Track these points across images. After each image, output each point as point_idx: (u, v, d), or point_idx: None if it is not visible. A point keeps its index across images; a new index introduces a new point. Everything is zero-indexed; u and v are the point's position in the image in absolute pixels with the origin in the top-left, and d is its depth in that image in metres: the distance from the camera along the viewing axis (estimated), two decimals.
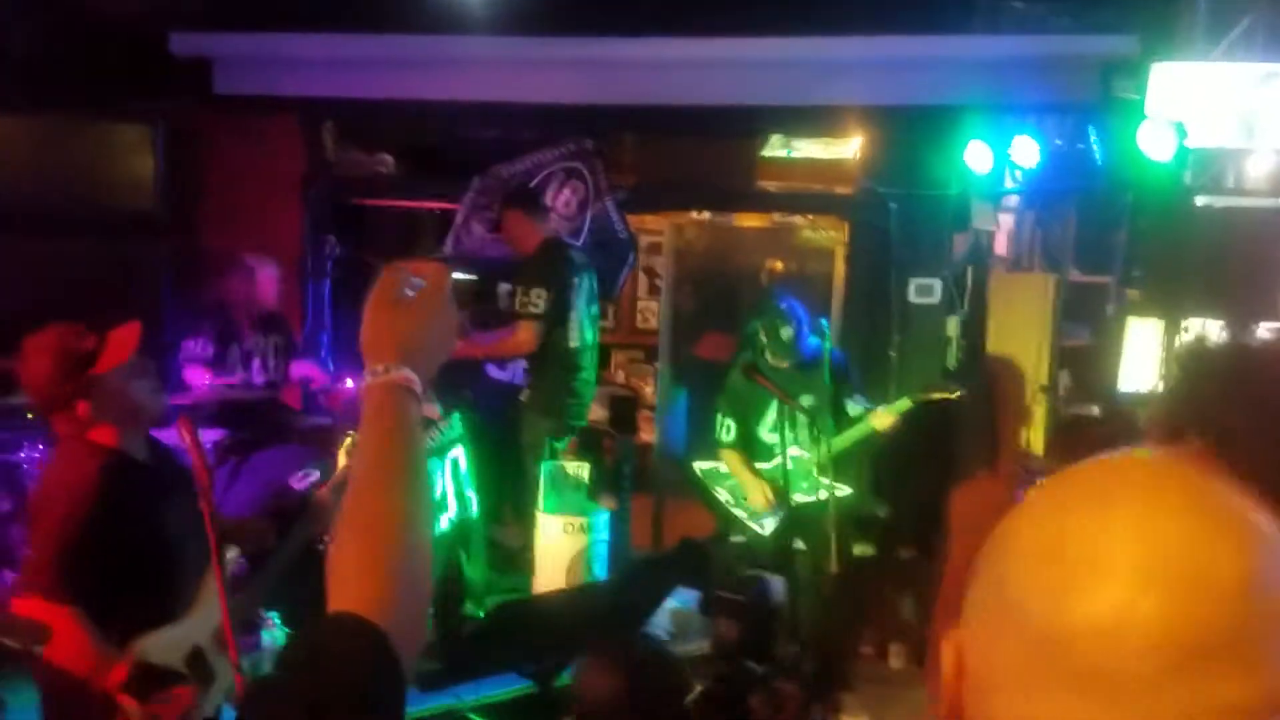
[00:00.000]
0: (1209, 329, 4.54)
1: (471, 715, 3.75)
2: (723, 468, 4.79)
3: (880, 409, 4.43)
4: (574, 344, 5.01)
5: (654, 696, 2.53)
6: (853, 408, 4.54)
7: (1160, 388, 1.62)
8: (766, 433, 4.67)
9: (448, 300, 1.18)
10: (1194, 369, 1.59)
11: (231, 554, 2.55)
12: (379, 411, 1.11)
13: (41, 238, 5.54)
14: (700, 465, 4.94)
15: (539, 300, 4.81)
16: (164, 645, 2.43)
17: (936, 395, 4.43)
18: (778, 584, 4.28)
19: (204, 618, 2.47)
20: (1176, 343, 4.90)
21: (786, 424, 4.50)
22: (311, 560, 2.88)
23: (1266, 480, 1.27)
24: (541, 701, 3.31)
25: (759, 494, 4.61)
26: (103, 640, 2.37)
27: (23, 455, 4.72)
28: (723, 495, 4.81)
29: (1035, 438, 5.20)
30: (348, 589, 1.02)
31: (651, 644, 3.06)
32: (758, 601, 4.13)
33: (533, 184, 6.11)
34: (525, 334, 4.85)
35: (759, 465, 4.67)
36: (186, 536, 2.43)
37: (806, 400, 4.48)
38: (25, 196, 5.54)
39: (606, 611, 3.18)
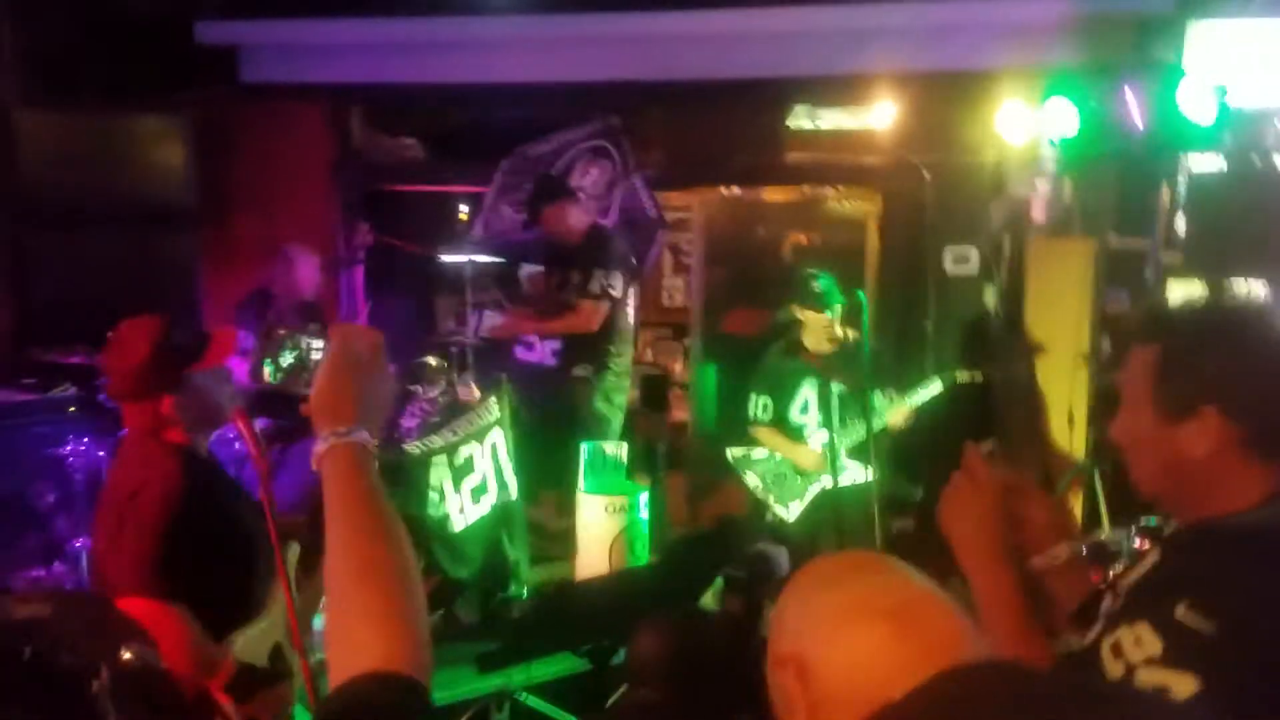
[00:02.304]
0: (1254, 289, 4.41)
1: (523, 695, 3.76)
2: (755, 453, 4.78)
3: (891, 405, 4.43)
4: (630, 324, 5.35)
5: (701, 654, 2.59)
6: (878, 400, 4.49)
7: (1154, 360, 1.57)
8: (798, 414, 4.67)
9: (385, 363, 1.27)
10: (1192, 341, 1.59)
11: (293, 552, 2.50)
12: (351, 472, 1.17)
13: (74, 231, 5.57)
14: (733, 451, 4.92)
15: (616, 283, 5.10)
16: (252, 643, 2.39)
17: (962, 378, 4.43)
18: (782, 556, 4.30)
19: (280, 613, 2.43)
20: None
21: (821, 406, 4.50)
22: None
23: (1273, 442, 1.41)
24: (592, 680, 3.31)
25: (806, 455, 4.59)
26: (205, 638, 2.30)
27: (68, 449, 4.75)
28: (752, 481, 4.79)
29: (1078, 407, 5.15)
30: (370, 646, 1.06)
31: (700, 609, 3.08)
32: (762, 575, 4.16)
33: (560, 163, 6.09)
34: (594, 314, 5.08)
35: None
36: (258, 533, 2.38)
37: (838, 387, 4.46)
38: (57, 190, 5.58)
39: (659, 591, 3.18)
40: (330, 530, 1.14)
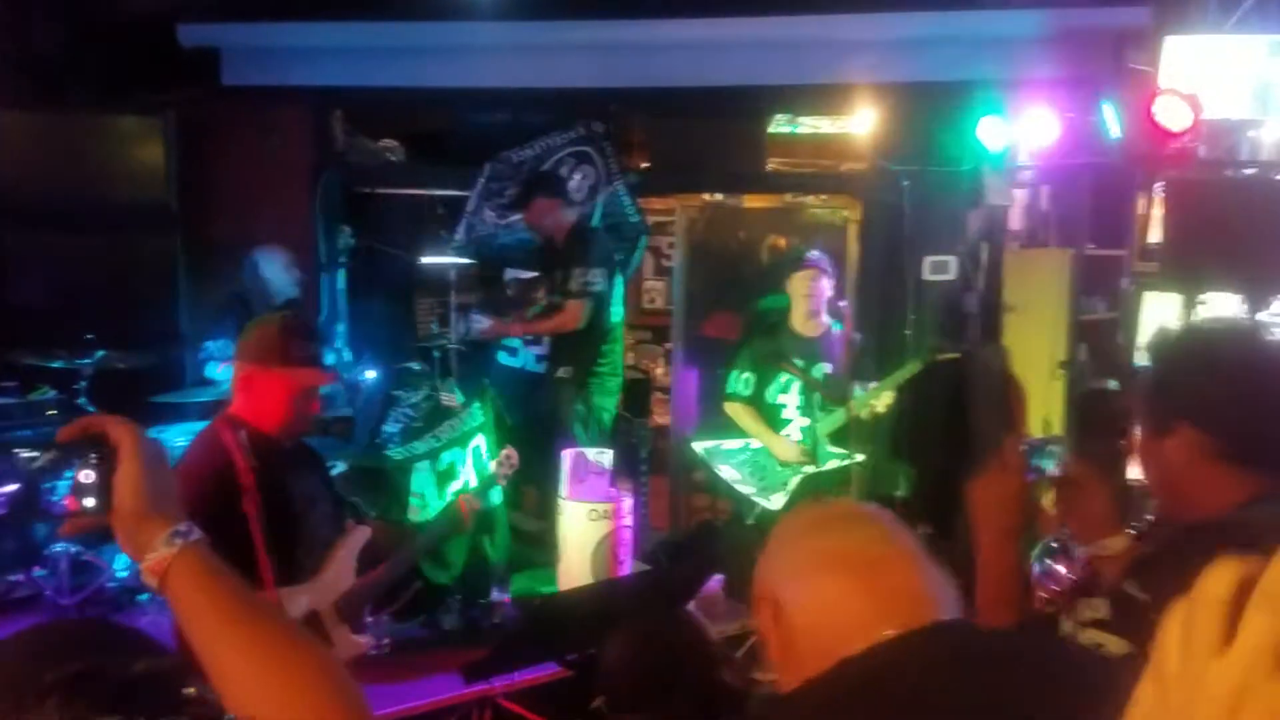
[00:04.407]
0: (1225, 303, 4.50)
1: (503, 701, 3.77)
2: (725, 445, 4.82)
3: (860, 397, 4.51)
4: (615, 320, 5.32)
5: (673, 661, 2.59)
6: (857, 392, 4.56)
7: (1143, 381, 1.75)
8: (778, 395, 4.74)
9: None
10: (1170, 364, 1.76)
11: (361, 536, 2.73)
12: (217, 573, 1.05)
13: (54, 232, 5.55)
14: (701, 445, 4.95)
15: (597, 279, 5.09)
16: (285, 600, 2.56)
17: (941, 356, 4.56)
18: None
19: (326, 588, 2.57)
20: (1193, 316, 4.91)
21: (800, 389, 4.61)
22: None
23: (1246, 451, 1.55)
24: (573, 686, 3.33)
25: (784, 447, 4.66)
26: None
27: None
28: (727, 473, 4.81)
29: (1054, 415, 5.21)
30: None
31: (673, 616, 3.08)
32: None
33: (543, 168, 6.11)
34: (577, 312, 5.08)
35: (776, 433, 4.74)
36: (311, 511, 2.56)
37: (819, 370, 4.60)
38: (37, 191, 5.54)
39: (644, 599, 3.21)
40: (225, 644, 1.01)
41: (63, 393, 4.95)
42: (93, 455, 1.09)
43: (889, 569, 1.14)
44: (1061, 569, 3.28)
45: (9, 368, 5.09)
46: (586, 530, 4.57)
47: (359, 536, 2.75)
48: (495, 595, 4.61)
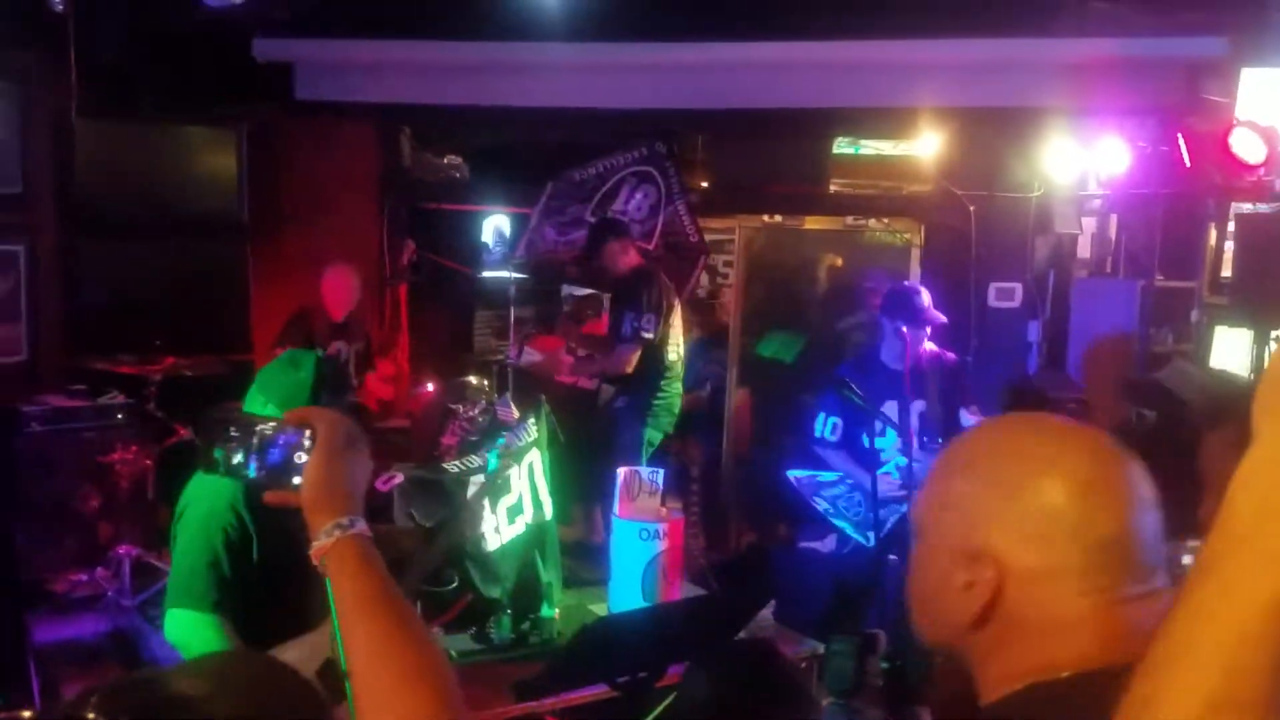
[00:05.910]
0: None
1: (550, 718, 3.77)
2: (822, 476, 4.70)
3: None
4: (672, 358, 5.30)
5: (759, 698, 2.55)
6: (966, 419, 4.37)
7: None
8: (872, 436, 4.54)
9: (363, 446, 1.23)
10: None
11: None
12: (367, 567, 1.15)
13: (126, 239, 5.66)
14: (796, 474, 4.85)
15: (649, 325, 5.14)
16: (298, 655, 2.45)
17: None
18: None
19: (317, 647, 2.49)
20: (1266, 352, 4.79)
21: (893, 429, 4.35)
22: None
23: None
24: (621, 704, 3.32)
25: (879, 487, 4.45)
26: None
27: (115, 456, 4.82)
28: (822, 505, 4.71)
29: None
30: None
31: (759, 649, 3.04)
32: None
33: (606, 187, 6.14)
34: (627, 357, 5.15)
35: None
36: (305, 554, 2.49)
37: (918, 406, 4.37)
38: (110, 199, 5.67)
39: (701, 626, 3.19)
40: (354, 629, 1.13)
41: (131, 398, 5.05)
42: (301, 439, 1.20)
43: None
44: None
45: (80, 371, 5.21)
46: (637, 549, 4.55)
47: None
48: (545, 611, 4.62)
